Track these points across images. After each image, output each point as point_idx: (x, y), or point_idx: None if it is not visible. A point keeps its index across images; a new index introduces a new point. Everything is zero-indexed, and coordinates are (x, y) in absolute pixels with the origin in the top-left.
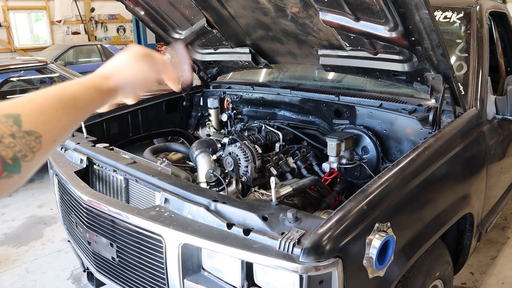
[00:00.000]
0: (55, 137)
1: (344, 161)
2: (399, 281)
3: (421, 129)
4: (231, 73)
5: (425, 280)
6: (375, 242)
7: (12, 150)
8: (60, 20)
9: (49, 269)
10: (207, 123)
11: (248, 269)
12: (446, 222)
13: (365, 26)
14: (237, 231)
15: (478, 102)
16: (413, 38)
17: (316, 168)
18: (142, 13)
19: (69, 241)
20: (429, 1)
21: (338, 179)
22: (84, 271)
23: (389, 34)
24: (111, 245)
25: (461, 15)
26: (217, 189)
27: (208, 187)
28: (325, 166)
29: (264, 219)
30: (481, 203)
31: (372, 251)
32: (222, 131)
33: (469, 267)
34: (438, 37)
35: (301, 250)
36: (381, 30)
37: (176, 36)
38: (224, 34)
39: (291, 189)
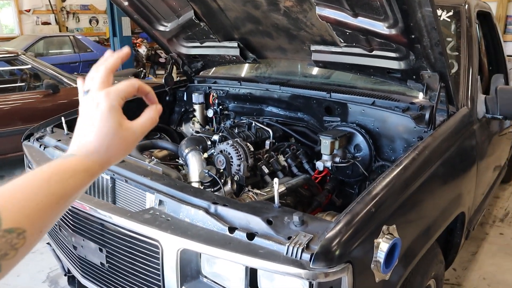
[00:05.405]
0: (42, 228)
1: (337, 159)
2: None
3: (415, 127)
4: (214, 67)
5: (422, 280)
6: (383, 245)
7: None
8: (29, 10)
9: (24, 271)
10: (192, 119)
11: (251, 275)
12: (445, 221)
13: (363, 22)
14: (240, 235)
15: (469, 101)
16: (413, 36)
17: (306, 166)
18: (126, 3)
19: (48, 243)
20: None
21: (328, 177)
22: (65, 275)
23: (388, 31)
24: (100, 250)
25: (450, 13)
26: (212, 189)
27: (201, 187)
28: (319, 165)
29: (269, 222)
30: (471, 201)
31: (380, 254)
32: (207, 127)
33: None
34: (438, 35)
35: (311, 255)
36: (380, 27)
37: (161, 28)
38: (212, 27)
39: (284, 188)
